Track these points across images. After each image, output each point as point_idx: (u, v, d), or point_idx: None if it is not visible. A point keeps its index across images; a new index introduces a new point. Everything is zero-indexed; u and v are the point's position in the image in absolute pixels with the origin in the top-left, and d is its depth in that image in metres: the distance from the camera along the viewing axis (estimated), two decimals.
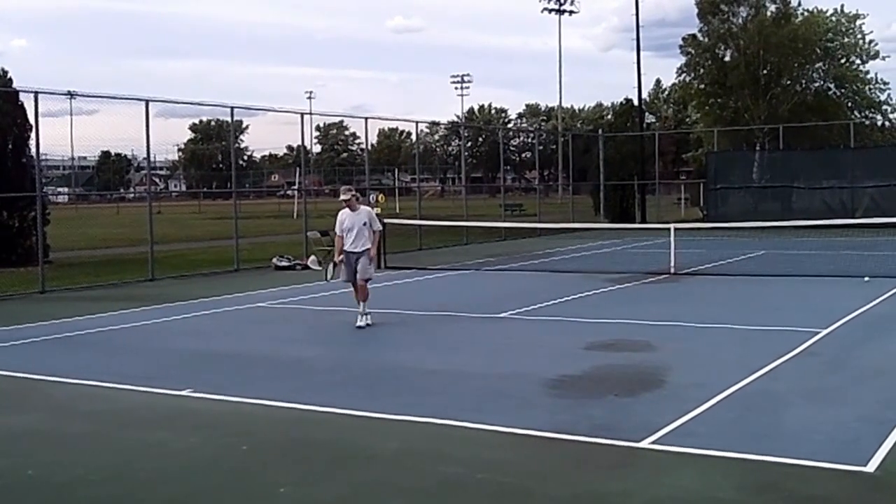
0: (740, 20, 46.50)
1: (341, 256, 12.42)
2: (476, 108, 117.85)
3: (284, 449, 6.68)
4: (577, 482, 5.85)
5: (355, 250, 12.25)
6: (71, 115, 37.40)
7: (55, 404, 8.33)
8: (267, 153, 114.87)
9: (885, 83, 49.02)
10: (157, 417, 7.70)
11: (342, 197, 12.44)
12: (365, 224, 12.28)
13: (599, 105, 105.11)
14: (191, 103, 28.02)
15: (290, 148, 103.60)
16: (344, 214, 12.35)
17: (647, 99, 77.31)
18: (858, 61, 48.51)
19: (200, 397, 8.27)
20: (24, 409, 8.15)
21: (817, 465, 5.92)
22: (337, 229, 12.50)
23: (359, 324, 12.02)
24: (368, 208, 12.59)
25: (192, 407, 8.00)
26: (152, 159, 21.57)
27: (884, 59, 48.87)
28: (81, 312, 13.82)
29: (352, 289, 12.54)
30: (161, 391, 8.49)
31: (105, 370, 9.52)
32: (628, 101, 45.72)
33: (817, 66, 48.03)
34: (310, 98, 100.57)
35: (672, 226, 19.83)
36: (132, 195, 59.32)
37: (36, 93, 17.44)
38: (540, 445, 6.57)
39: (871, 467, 5.85)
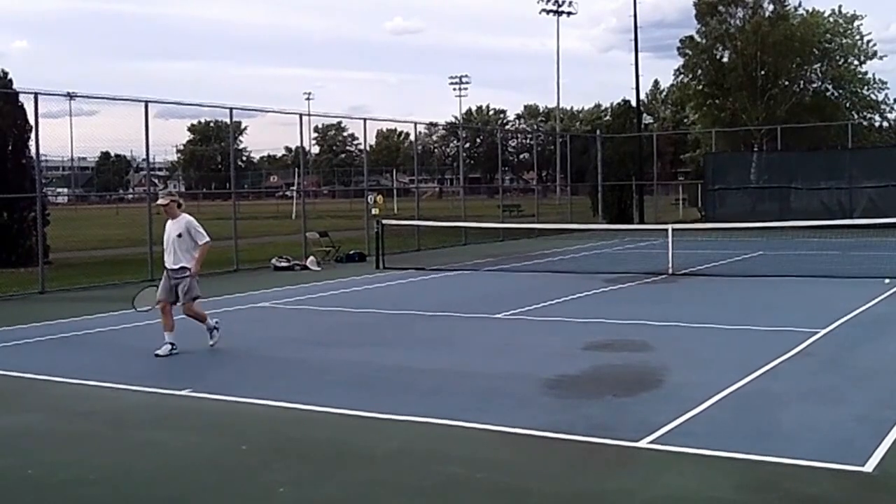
0: (738, 21, 46.54)
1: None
2: (474, 109, 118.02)
3: (283, 448, 6.70)
4: (575, 481, 5.87)
5: (172, 266, 10.42)
6: (70, 116, 37.34)
7: (54, 404, 8.35)
8: (265, 154, 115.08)
9: (883, 83, 49.12)
10: (157, 417, 7.72)
11: (159, 202, 10.51)
12: (180, 236, 10.29)
13: (597, 106, 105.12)
14: (190, 104, 28.05)
15: (288, 149, 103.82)
16: (167, 224, 10.50)
17: (645, 100, 77.50)
18: (856, 62, 48.54)
19: (200, 397, 8.29)
20: (23, 409, 8.18)
21: (815, 465, 5.93)
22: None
23: (159, 352, 10.15)
24: (189, 217, 10.49)
25: (191, 407, 8.02)
26: (151, 160, 21.59)
27: (881, 58, 48.94)
28: (81, 313, 13.84)
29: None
30: (160, 391, 8.52)
31: (104, 370, 9.53)
32: (626, 101, 45.76)
33: (815, 66, 48.05)
34: (308, 99, 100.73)
35: (670, 226, 19.85)
36: (131, 196, 59.31)
37: (36, 94, 17.56)
38: (538, 445, 6.58)
39: (869, 467, 5.86)
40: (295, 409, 7.75)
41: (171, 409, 7.99)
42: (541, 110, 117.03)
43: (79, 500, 5.80)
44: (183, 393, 8.41)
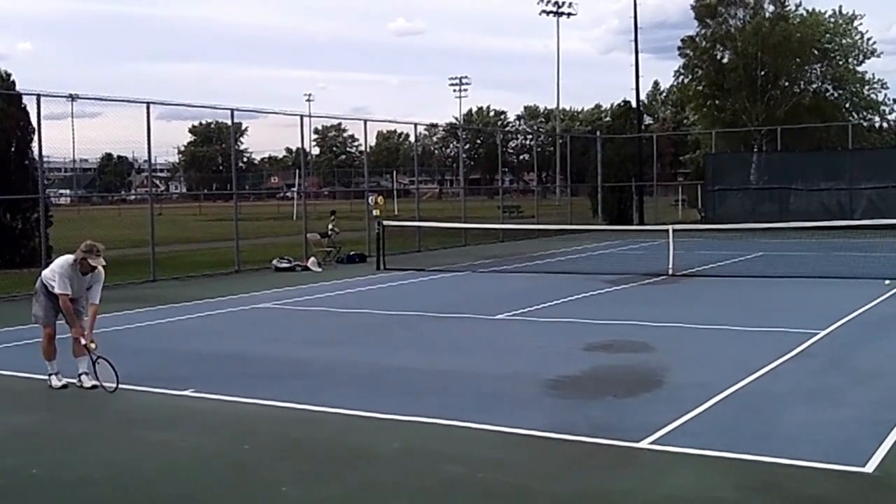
0: (738, 22, 46.56)
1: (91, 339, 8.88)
2: (474, 110, 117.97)
3: (286, 448, 6.73)
4: (576, 482, 5.90)
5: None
6: (73, 117, 37.19)
7: (59, 404, 8.40)
8: (266, 155, 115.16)
9: (883, 83, 49.09)
10: (160, 417, 7.76)
11: (97, 260, 8.92)
12: (90, 288, 9.00)
13: (598, 107, 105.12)
14: (191, 105, 27.90)
15: (288, 150, 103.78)
16: (73, 276, 8.89)
17: (646, 101, 77.47)
18: (856, 62, 48.53)
19: (202, 397, 8.32)
20: (28, 409, 8.23)
21: (816, 466, 5.95)
22: (65, 288, 8.83)
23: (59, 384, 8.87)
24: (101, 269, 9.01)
25: (194, 407, 8.06)
26: (153, 161, 21.64)
27: (878, 55, 48.88)
28: None
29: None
30: (163, 391, 8.55)
31: None
32: (626, 102, 45.79)
33: (815, 67, 48.06)
34: (309, 101, 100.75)
35: (670, 227, 19.88)
36: (133, 197, 59.40)
37: (38, 95, 17.62)
38: (540, 445, 6.61)
39: (869, 468, 5.89)
40: (297, 409, 7.78)
41: (173, 409, 8.02)
42: (541, 111, 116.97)
43: (83, 499, 5.83)
44: (185, 393, 8.44)
